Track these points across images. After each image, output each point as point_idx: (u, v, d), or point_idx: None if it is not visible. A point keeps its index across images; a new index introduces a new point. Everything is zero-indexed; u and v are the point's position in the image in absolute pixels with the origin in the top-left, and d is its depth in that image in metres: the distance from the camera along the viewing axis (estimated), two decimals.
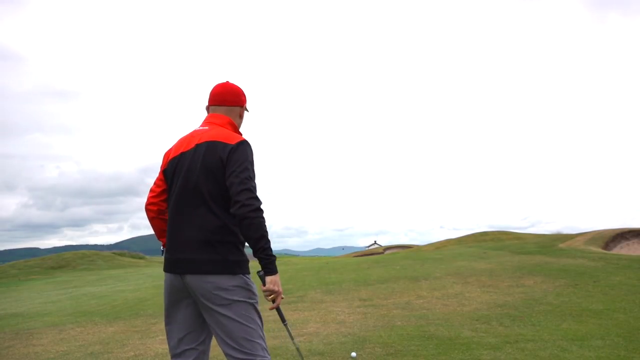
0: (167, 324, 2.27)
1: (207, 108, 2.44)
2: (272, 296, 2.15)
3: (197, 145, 2.23)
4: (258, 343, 2.12)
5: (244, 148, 2.18)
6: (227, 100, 2.38)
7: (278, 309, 2.25)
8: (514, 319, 5.23)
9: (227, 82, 2.43)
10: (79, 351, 5.13)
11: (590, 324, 4.84)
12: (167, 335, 2.28)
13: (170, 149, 2.38)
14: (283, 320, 2.38)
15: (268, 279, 2.14)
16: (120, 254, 33.06)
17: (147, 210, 2.40)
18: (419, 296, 7.16)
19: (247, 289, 2.16)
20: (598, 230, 17.73)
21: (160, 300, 9.04)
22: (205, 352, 2.27)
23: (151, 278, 16.09)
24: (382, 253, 31.19)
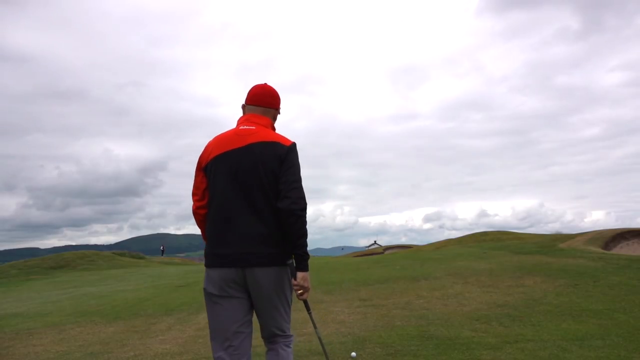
0: (214, 315, 2.35)
1: (244, 107, 2.52)
2: (300, 291, 2.34)
3: (251, 144, 2.31)
4: (290, 317, 2.46)
5: (296, 150, 2.38)
6: (266, 102, 2.48)
7: (305, 300, 2.46)
8: (514, 319, 5.23)
9: (266, 84, 2.54)
10: (79, 351, 5.13)
11: (590, 324, 4.83)
12: (214, 326, 2.35)
13: (210, 147, 2.41)
14: (308, 309, 2.63)
15: (300, 274, 2.30)
16: (120, 254, 33.09)
17: (196, 214, 2.46)
18: (419, 296, 7.16)
19: (290, 276, 2.35)
20: (598, 230, 17.74)
21: (159, 300, 9.05)
22: (250, 335, 2.41)
23: (151, 278, 16.09)
24: (382, 253, 31.19)
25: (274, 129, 2.50)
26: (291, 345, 2.44)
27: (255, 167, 2.27)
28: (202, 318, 6.64)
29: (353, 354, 4.17)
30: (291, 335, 2.46)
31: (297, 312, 6.50)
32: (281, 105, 2.57)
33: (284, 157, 2.29)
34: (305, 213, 2.26)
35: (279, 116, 2.58)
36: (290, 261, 2.31)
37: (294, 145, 2.37)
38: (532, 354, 3.94)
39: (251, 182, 2.26)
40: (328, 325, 5.53)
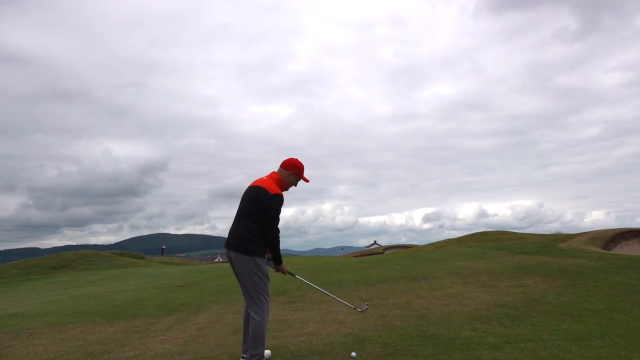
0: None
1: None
2: (280, 272, 4.24)
3: (256, 186, 4.01)
4: (262, 295, 3.91)
5: (275, 199, 3.91)
6: (286, 168, 4.12)
7: (289, 272, 4.36)
8: (514, 319, 5.23)
9: (296, 159, 4.16)
10: (79, 351, 5.13)
11: (590, 324, 4.84)
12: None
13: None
14: (292, 274, 4.52)
15: (277, 266, 4.15)
16: (120, 254, 33.06)
17: None
18: (419, 296, 7.16)
19: (256, 265, 3.88)
20: (598, 230, 17.74)
21: (159, 300, 9.08)
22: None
23: (151, 278, 16.09)
24: (382, 253, 31.17)
25: (280, 182, 4.06)
26: (262, 313, 3.86)
27: (249, 201, 3.97)
28: (202, 318, 6.65)
29: (353, 354, 4.17)
30: (260, 307, 3.86)
31: (296, 312, 6.52)
32: (302, 174, 4.15)
33: (265, 202, 3.87)
34: (277, 238, 3.93)
35: (300, 181, 4.21)
36: (268, 256, 4.04)
37: (275, 195, 3.90)
38: (532, 354, 3.94)
39: (245, 208, 3.96)
40: (328, 325, 5.53)
